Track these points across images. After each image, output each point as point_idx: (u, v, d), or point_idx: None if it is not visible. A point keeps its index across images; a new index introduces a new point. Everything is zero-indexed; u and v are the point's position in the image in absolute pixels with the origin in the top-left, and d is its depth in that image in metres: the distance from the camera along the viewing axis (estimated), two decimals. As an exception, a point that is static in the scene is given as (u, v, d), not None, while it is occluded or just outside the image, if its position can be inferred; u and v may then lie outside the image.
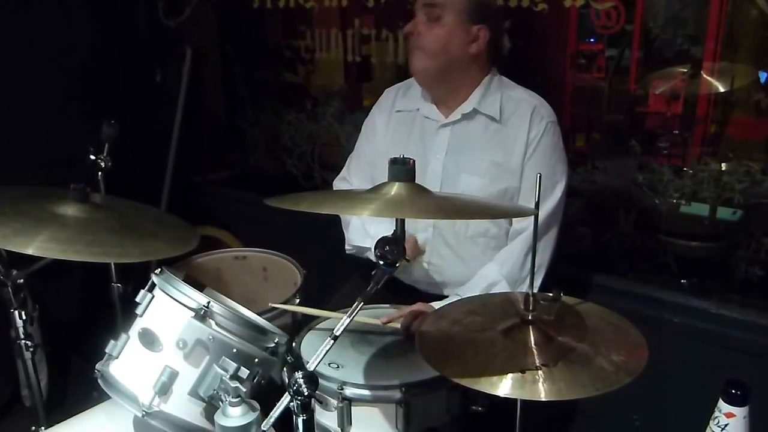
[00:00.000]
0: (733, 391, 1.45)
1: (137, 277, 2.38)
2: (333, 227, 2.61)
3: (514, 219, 2.32)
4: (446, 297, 2.37)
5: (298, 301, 2.32)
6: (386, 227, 2.36)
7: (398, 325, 2.14)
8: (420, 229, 2.39)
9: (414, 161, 1.58)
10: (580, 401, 2.04)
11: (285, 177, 3.91)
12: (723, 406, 1.46)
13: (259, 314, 2.00)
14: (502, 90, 2.35)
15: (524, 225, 2.30)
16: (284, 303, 2.28)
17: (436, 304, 2.23)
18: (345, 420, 1.85)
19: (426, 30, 2.26)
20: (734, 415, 1.46)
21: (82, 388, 2.53)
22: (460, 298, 2.26)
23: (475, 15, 2.23)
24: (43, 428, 2.42)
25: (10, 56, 3.22)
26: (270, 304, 2.24)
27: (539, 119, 2.28)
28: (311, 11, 3.52)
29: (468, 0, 2.22)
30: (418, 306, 2.20)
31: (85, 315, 3.50)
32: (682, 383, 2.41)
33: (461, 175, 2.34)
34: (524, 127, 2.28)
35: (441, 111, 2.40)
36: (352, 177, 2.66)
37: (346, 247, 2.58)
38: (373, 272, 1.56)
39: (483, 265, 2.36)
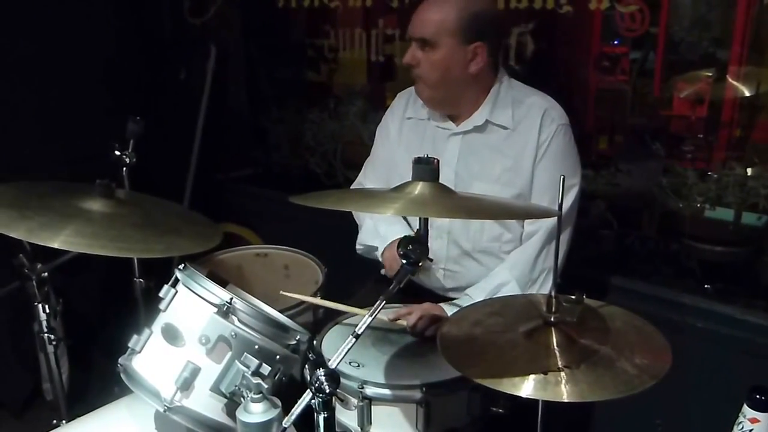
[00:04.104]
0: (758, 396, 1.45)
1: (159, 273, 2.39)
2: (355, 226, 2.61)
3: (525, 222, 2.32)
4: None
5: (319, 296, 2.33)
6: (397, 229, 2.40)
7: (405, 323, 2.15)
8: (434, 236, 2.38)
9: (438, 161, 1.58)
10: (602, 405, 2.03)
11: (307, 175, 3.93)
12: (747, 411, 1.46)
13: (280, 311, 2.01)
14: (513, 96, 2.33)
15: (535, 228, 2.30)
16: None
17: (445, 306, 2.25)
18: (365, 419, 1.85)
19: (423, 60, 2.25)
20: (759, 421, 1.45)
21: (103, 382, 2.55)
22: (469, 298, 2.28)
23: (468, 35, 2.20)
24: (64, 422, 2.43)
25: (37, 54, 3.25)
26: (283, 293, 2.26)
27: (550, 122, 2.27)
28: (335, 11, 3.54)
29: (459, 22, 2.18)
30: (427, 306, 2.20)
31: (107, 310, 3.54)
32: (706, 389, 2.39)
33: (474, 182, 2.33)
34: (535, 131, 2.27)
35: (452, 120, 2.40)
36: (367, 182, 2.67)
37: (357, 246, 2.59)
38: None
39: None
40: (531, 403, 1.56)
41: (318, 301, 2.28)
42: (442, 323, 1.86)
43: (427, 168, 1.57)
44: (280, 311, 2.01)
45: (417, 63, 2.27)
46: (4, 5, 3.15)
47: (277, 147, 4.10)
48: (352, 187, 2.75)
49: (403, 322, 2.15)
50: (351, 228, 2.62)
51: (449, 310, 2.20)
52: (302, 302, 2.28)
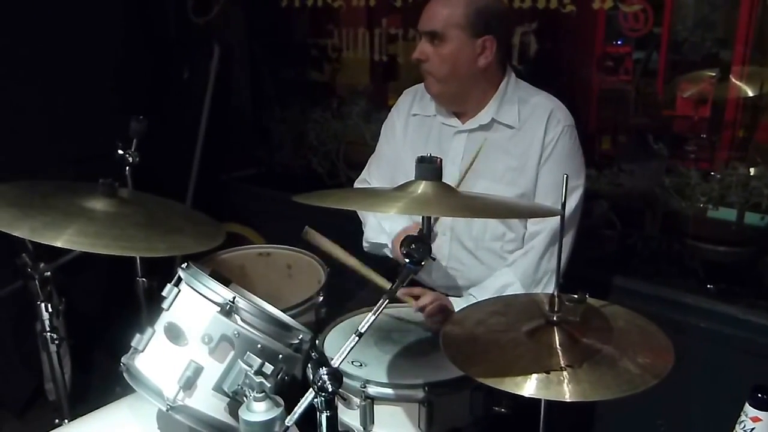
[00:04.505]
0: (760, 395, 1.44)
1: (162, 272, 2.39)
2: (357, 225, 2.61)
3: (529, 222, 2.33)
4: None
5: (321, 299, 2.34)
6: (401, 223, 2.41)
7: (414, 303, 2.16)
8: (437, 233, 2.39)
9: (441, 160, 1.58)
10: (604, 405, 2.03)
11: (310, 175, 3.93)
12: (749, 410, 1.46)
13: (283, 311, 2.01)
14: (519, 95, 2.34)
15: (539, 228, 2.30)
16: (309, 300, 2.29)
17: (454, 300, 2.26)
18: (367, 418, 1.86)
19: (432, 54, 2.26)
20: (760, 420, 1.45)
21: (105, 382, 2.54)
22: (474, 298, 2.28)
23: (477, 28, 2.21)
24: (66, 421, 2.43)
25: (41, 53, 3.26)
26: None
27: (555, 123, 2.27)
28: (339, 10, 3.54)
29: (467, 16, 2.19)
30: (440, 295, 2.23)
31: (109, 309, 3.54)
32: (708, 389, 2.39)
33: (478, 180, 2.33)
34: (540, 131, 2.27)
35: (458, 117, 2.40)
36: (372, 179, 2.67)
37: (364, 244, 2.59)
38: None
39: None
40: (533, 402, 1.55)
41: (345, 257, 2.31)
42: (448, 318, 1.86)
43: (430, 167, 1.57)
44: (283, 311, 2.01)
45: (426, 58, 2.27)
46: (8, 5, 3.15)
47: (279, 147, 4.11)
48: (356, 183, 2.76)
49: (412, 300, 2.17)
50: (354, 227, 2.62)
51: (457, 305, 2.21)
52: (305, 301, 2.29)
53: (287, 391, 1.63)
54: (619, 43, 2.73)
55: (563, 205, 1.61)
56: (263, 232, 3.83)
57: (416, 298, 2.21)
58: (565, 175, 1.60)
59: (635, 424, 2.62)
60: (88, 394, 2.96)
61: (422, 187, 1.55)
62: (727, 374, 2.36)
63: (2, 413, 3.41)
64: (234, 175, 4.20)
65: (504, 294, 2.24)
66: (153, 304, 2.56)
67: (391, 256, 2.46)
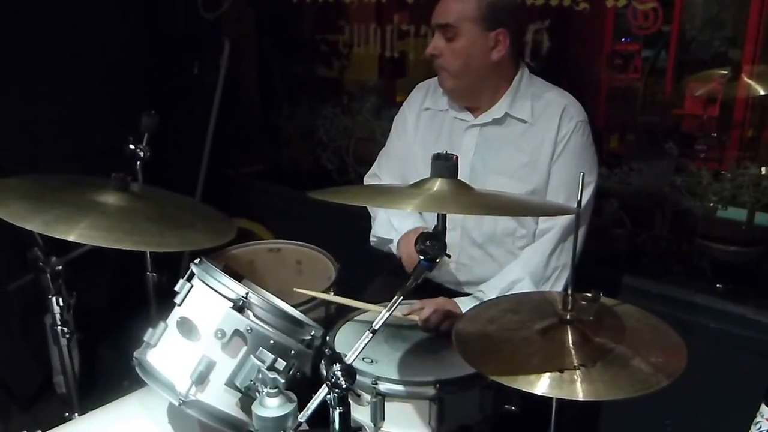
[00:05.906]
0: (777, 396, 1.44)
1: (171, 267, 2.40)
2: (367, 221, 2.61)
3: (540, 218, 2.32)
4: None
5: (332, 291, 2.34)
6: (411, 221, 2.40)
7: (417, 317, 2.14)
8: (448, 229, 2.37)
9: (457, 157, 1.58)
10: (612, 404, 2.02)
11: (319, 171, 3.93)
12: (766, 411, 1.45)
13: (294, 306, 2.01)
14: (532, 90, 2.33)
15: (550, 225, 2.29)
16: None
17: (459, 300, 2.25)
18: (378, 415, 1.85)
19: (446, 50, 2.26)
20: (777, 421, 1.45)
21: (113, 376, 2.56)
22: (483, 294, 2.28)
23: (490, 22, 2.21)
24: (76, 415, 2.44)
25: (53, 49, 3.27)
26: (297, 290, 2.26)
27: (569, 119, 2.26)
28: (350, 6, 3.53)
29: (479, 9, 2.19)
30: (440, 301, 2.20)
31: (117, 304, 3.54)
32: (717, 389, 2.38)
33: (489, 176, 2.33)
34: (553, 127, 2.26)
35: (471, 112, 2.40)
36: (382, 174, 2.66)
37: (371, 238, 2.59)
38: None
39: None
40: (543, 401, 1.55)
41: (332, 297, 2.28)
42: (457, 319, 1.85)
43: (446, 164, 1.57)
44: (294, 306, 2.01)
45: (440, 53, 2.27)
46: (19, 1, 3.16)
47: (288, 143, 4.11)
48: (365, 178, 2.75)
49: (415, 317, 2.15)
50: (362, 224, 2.62)
51: (463, 304, 2.20)
52: (315, 297, 2.28)
53: (297, 387, 1.63)
54: (627, 40, 2.73)
55: (579, 203, 1.60)
56: (271, 228, 3.83)
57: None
58: (582, 173, 1.60)
59: (642, 424, 2.62)
60: (96, 388, 2.97)
61: (438, 184, 1.55)
62: (736, 375, 2.36)
63: (10, 406, 3.42)
64: (242, 170, 4.21)
65: (513, 291, 2.24)
66: (162, 299, 2.57)
67: (395, 252, 2.46)
